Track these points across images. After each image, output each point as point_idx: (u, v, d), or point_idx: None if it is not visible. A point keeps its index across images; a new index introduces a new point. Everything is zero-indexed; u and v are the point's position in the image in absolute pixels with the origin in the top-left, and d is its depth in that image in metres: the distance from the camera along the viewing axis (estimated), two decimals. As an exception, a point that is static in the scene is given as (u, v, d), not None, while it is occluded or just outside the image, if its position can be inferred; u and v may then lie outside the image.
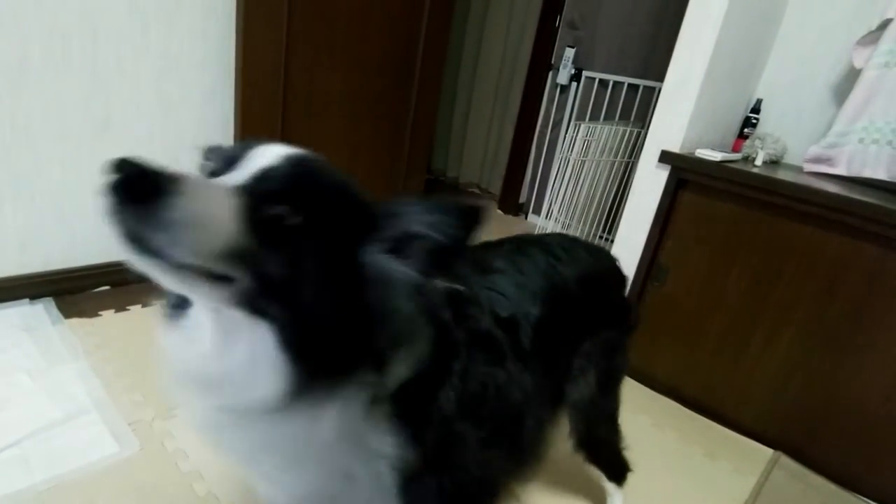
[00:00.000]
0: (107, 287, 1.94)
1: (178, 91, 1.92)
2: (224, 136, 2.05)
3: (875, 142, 1.65)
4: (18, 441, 1.24)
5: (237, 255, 0.49)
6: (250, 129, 2.01)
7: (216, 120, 2.03)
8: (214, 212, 0.47)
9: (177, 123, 1.95)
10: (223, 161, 0.56)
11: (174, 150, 1.97)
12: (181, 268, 0.46)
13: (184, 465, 1.26)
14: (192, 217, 0.45)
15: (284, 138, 2.18)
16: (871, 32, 1.64)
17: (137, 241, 0.44)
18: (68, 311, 1.78)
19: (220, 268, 0.48)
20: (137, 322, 1.80)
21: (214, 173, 0.55)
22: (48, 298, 1.82)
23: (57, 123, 1.71)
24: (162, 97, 1.89)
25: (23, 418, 1.31)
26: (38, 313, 1.74)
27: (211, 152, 0.58)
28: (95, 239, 1.86)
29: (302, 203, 0.51)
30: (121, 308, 1.84)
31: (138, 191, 0.42)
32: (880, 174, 1.66)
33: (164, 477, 1.23)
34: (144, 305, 1.87)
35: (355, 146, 2.40)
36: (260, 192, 0.51)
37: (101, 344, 1.65)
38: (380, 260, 0.54)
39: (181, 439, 1.33)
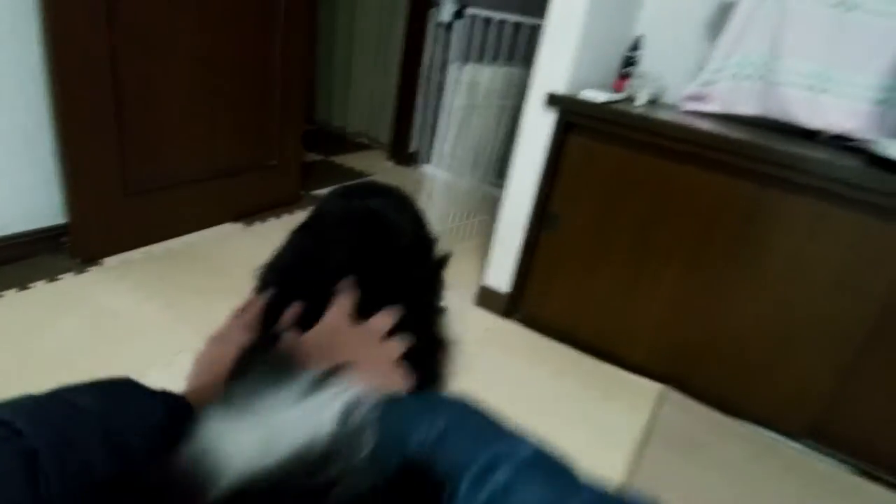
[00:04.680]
0: None
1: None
2: (34, 83, 1.68)
3: (748, 77, 1.67)
4: None
5: None
6: (69, 79, 1.64)
7: (19, 62, 1.65)
8: None
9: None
10: None
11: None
12: None
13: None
14: None
15: (117, 97, 1.77)
16: (743, -36, 1.62)
17: None
18: None
19: None
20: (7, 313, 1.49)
21: None
22: None
23: None
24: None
25: None
26: None
27: None
28: None
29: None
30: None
31: None
32: (752, 109, 1.69)
33: None
34: (21, 289, 1.57)
35: (213, 103, 2.08)
36: None
37: None
38: None
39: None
